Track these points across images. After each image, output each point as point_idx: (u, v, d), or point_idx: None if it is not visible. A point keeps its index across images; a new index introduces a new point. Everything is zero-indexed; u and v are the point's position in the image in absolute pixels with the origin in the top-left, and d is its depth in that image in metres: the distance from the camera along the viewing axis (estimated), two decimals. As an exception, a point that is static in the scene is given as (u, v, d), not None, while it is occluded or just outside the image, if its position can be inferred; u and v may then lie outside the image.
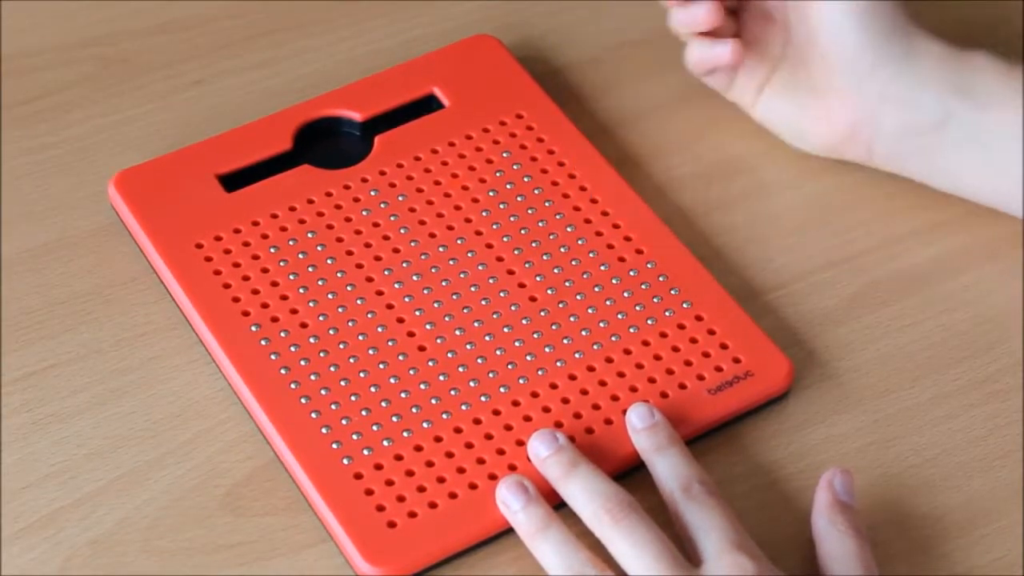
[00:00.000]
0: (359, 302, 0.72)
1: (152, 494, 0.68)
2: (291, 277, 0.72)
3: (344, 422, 0.68)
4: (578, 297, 0.72)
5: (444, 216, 0.75)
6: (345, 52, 0.83)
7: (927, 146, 0.75)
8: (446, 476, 0.67)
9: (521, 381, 0.70)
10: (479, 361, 0.70)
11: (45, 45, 0.83)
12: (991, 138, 0.74)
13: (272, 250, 0.73)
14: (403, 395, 0.69)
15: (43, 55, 0.83)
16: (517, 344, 0.71)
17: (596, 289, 0.73)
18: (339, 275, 0.73)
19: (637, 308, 0.72)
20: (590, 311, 0.72)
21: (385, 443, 0.67)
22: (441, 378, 0.70)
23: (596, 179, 0.77)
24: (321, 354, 0.70)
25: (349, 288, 0.72)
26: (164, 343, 0.72)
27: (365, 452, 0.67)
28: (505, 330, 0.71)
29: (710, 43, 0.76)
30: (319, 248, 0.73)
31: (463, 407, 0.69)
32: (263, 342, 0.70)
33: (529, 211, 0.75)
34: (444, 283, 0.73)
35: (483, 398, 0.69)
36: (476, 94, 0.78)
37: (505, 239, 0.74)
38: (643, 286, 0.73)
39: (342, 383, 0.69)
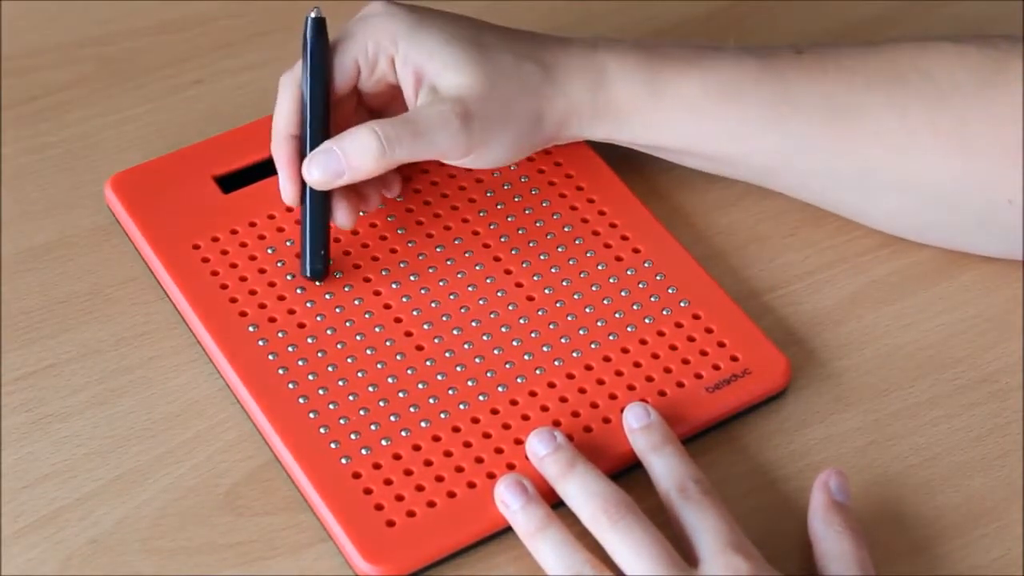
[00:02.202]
0: (356, 302, 0.72)
1: (152, 494, 0.68)
2: (288, 278, 0.72)
3: (342, 422, 0.68)
4: (575, 296, 0.72)
5: (441, 216, 0.75)
6: (344, 52, 0.83)
7: (601, 140, 0.75)
8: (444, 475, 0.67)
9: (519, 380, 0.70)
10: (477, 360, 0.70)
11: (45, 45, 0.83)
12: (649, 147, 0.75)
13: (269, 251, 0.73)
14: (401, 394, 0.69)
15: (43, 55, 0.83)
16: (515, 343, 0.71)
17: (594, 288, 0.73)
18: (336, 275, 0.73)
19: (635, 307, 0.72)
20: (588, 310, 0.72)
21: (383, 442, 0.67)
22: (439, 377, 0.70)
23: (593, 179, 0.77)
24: (319, 354, 0.70)
25: (346, 289, 0.72)
26: (163, 343, 0.72)
27: (363, 452, 0.67)
28: (503, 329, 0.71)
29: (373, 196, 0.74)
30: (317, 248, 0.74)
31: (461, 406, 0.69)
32: (261, 343, 0.70)
33: (526, 211, 0.75)
34: (441, 283, 0.73)
35: (481, 397, 0.69)
36: (474, 94, 0.78)
37: (503, 239, 0.74)
38: (640, 285, 0.73)
39: (340, 383, 0.69)
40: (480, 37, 0.72)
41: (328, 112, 0.72)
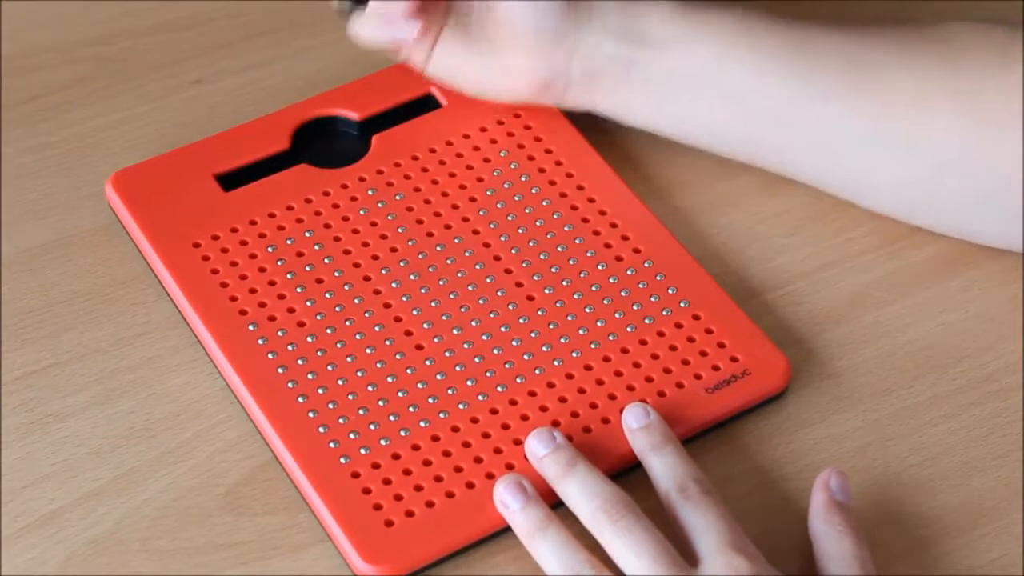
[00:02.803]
0: (356, 301, 0.72)
1: (152, 494, 0.68)
2: (288, 276, 0.72)
3: (341, 421, 0.68)
4: (575, 296, 0.72)
5: (441, 215, 0.75)
6: (343, 52, 0.83)
7: (613, 88, 0.75)
8: (443, 475, 0.67)
9: (519, 380, 0.70)
10: (476, 360, 0.70)
11: (45, 45, 0.83)
12: (664, 81, 0.75)
13: (269, 249, 0.73)
14: (400, 394, 0.69)
15: (43, 55, 0.83)
16: (514, 343, 0.71)
17: (593, 288, 0.73)
18: (336, 274, 0.73)
19: (634, 307, 0.72)
20: (587, 310, 0.72)
21: (382, 442, 0.67)
22: (438, 377, 0.70)
23: (593, 178, 0.77)
24: (318, 353, 0.70)
25: (346, 287, 0.72)
26: (164, 343, 0.72)
27: (362, 451, 0.67)
28: (502, 329, 0.71)
29: (387, 20, 0.75)
30: (316, 247, 0.73)
31: (460, 406, 0.69)
32: (260, 341, 0.70)
33: (526, 210, 0.75)
34: (441, 282, 0.73)
35: (480, 397, 0.69)
36: (474, 93, 0.79)
37: (503, 238, 0.74)
38: (640, 285, 0.73)
39: (339, 382, 0.69)
40: None
41: None
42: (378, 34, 0.75)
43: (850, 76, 0.73)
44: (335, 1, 0.72)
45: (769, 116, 0.74)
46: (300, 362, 0.70)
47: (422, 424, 0.68)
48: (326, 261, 0.73)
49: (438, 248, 0.74)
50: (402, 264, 0.73)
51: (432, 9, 0.76)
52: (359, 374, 0.69)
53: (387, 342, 0.70)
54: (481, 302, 0.72)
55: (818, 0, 0.87)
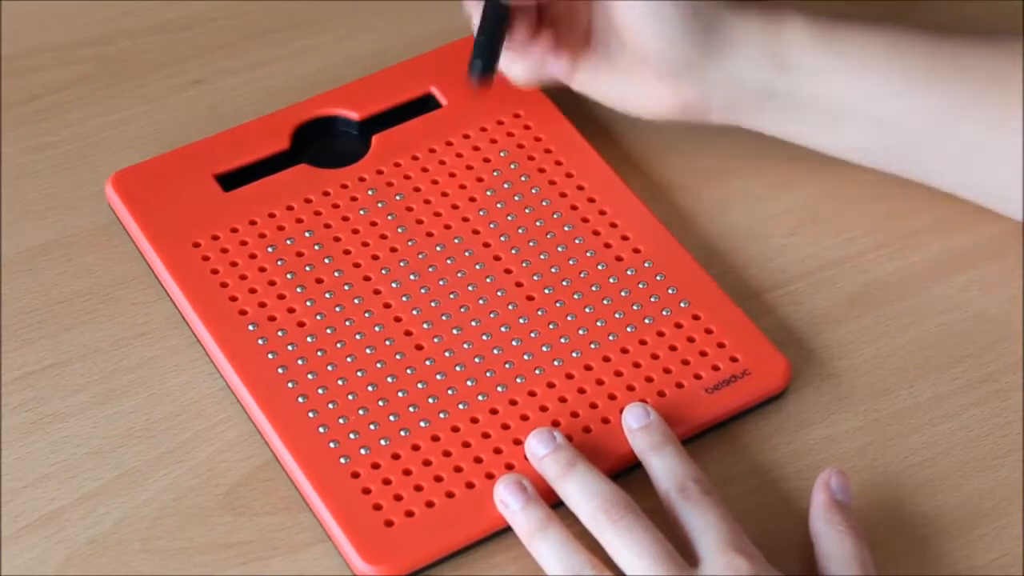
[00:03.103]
0: (356, 301, 0.72)
1: (152, 494, 0.68)
2: (288, 276, 0.72)
3: (341, 421, 0.68)
4: (575, 296, 0.72)
5: (441, 215, 0.75)
6: (343, 51, 0.83)
7: (756, 112, 0.75)
8: (443, 475, 0.67)
9: (518, 380, 0.70)
10: (476, 360, 0.70)
11: (45, 45, 0.83)
12: (808, 108, 0.74)
13: (269, 249, 0.73)
14: (400, 394, 0.69)
15: (43, 55, 0.83)
16: (514, 343, 0.71)
17: (593, 288, 0.73)
18: (336, 274, 0.73)
19: (634, 307, 0.72)
20: (587, 310, 0.72)
21: (382, 442, 0.67)
22: (438, 377, 0.70)
23: (593, 178, 0.77)
24: (318, 353, 0.70)
25: (346, 287, 0.72)
26: (163, 343, 0.72)
27: (362, 451, 0.67)
28: (502, 329, 0.71)
29: (531, 63, 0.76)
30: (316, 247, 0.73)
31: (460, 406, 0.69)
32: (260, 341, 0.70)
33: (526, 210, 0.75)
34: (441, 282, 0.73)
35: (480, 397, 0.69)
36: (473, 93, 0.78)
37: (503, 238, 0.74)
38: (640, 285, 0.73)
39: (339, 382, 0.69)
40: None
41: None
42: (531, 76, 0.76)
43: (997, 94, 0.72)
44: (471, 74, 0.72)
45: (919, 137, 0.74)
46: (300, 362, 0.70)
47: (422, 424, 0.68)
48: (326, 261, 0.73)
49: (438, 248, 0.74)
50: (402, 264, 0.73)
51: (570, 37, 0.76)
52: (359, 374, 0.69)
53: (387, 342, 0.70)
54: (481, 302, 0.72)
55: (818, 0, 0.87)
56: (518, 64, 0.76)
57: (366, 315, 0.71)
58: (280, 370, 0.69)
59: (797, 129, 0.76)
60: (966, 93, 0.73)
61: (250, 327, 0.71)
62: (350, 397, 0.69)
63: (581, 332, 0.71)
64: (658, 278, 0.73)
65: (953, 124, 0.73)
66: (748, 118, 0.76)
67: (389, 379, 0.69)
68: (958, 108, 0.73)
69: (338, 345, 0.70)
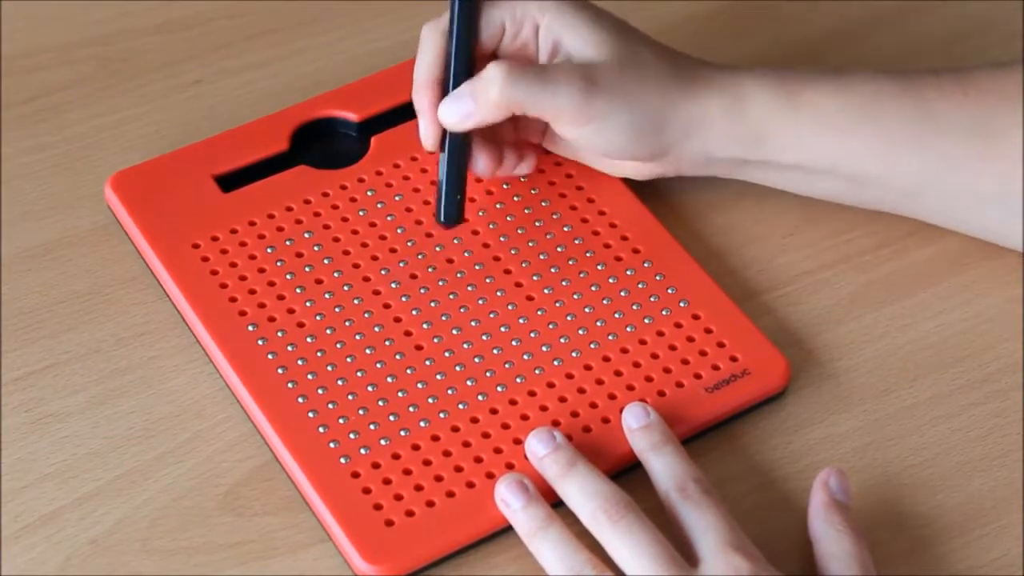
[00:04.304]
0: (356, 302, 0.72)
1: (151, 494, 0.68)
2: (288, 277, 0.72)
3: (341, 421, 0.68)
4: (575, 296, 0.72)
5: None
6: (343, 52, 0.83)
7: (732, 174, 0.75)
8: (443, 475, 0.67)
9: (518, 380, 0.70)
10: (476, 360, 0.70)
11: (45, 45, 0.83)
12: (785, 171, 0.74)
13: (269, 250, 0.73)
14: (400, 394, 0.69)
15: (43, 55, 0.83)
16: (514, 343, 0.71)
17: (593, 288, 0.73)
18: (336, 275, 0.73)
19: (634, 307, 0.72)
20: (587, 310, 0.72)
21: (382, 442, 0.68)
22: (438, 377, 0.70)
23: (593, 178, 0.77)
24: (318, 353, 0.70)
25: (346, 288, 0.72)
26: (163, 343, 0.72)
27: (362, 451, 0.67)
28: (502, 329, 0.71)
29: (509, 161, 0.74)
30: (316, 248, 0.73)
31: (460, 406, 0.69)
32: (260, 342, 0.70)
33: (526, 210, 0.75)
34: (441, 283, 0.73)
35: (480, 397, 0.69)
36: (474, 94, 0.78)
37: (502, 239, 0.74)
38: (640, 285, 0.73)
39: (339, 382, 0.69)
40: (624, 29, 0.72)
41: (473, 65, 0.72)
42: (504, 172, 0.75)
43: (976, 146, 0.72)
44: (442, 223, 0.72)
45: (897, 190, 0.74)
46: (300, 362, 0.70)
47: (422, 424, 0.68)
48: (325, 262, 0.73)
49: (437, 249, 0.74)
50: (401, 265, 0.73)
51: (530, 133, 0.75)
52: (359, 374, 0.69)
53: (387, 342, 0.71)
54: (480, 302, 0.72)
55: (818, 0, 0.87)
56: (483, 156, 0.74)
57: (366, 315, 0.71)
58: (280, 370, 0.69)
59: (775, 181, 0.76)
60: (946, 150, 0.72)
61: (250, 328, 0.71)
62: (350, 397, 0.69)
63: (581, 332, 0.71)
64: (657, 278, 0.73)
65: (935, 179, 0.73)
66: (724, 175, 0.75)
67: (389, 379, 0.69)
68: (939, 164, 0.73)
69: (338, 345, 0.70)
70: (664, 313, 0.72)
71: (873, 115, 0.72)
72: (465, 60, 0.71)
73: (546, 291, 0.73)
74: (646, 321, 0.72)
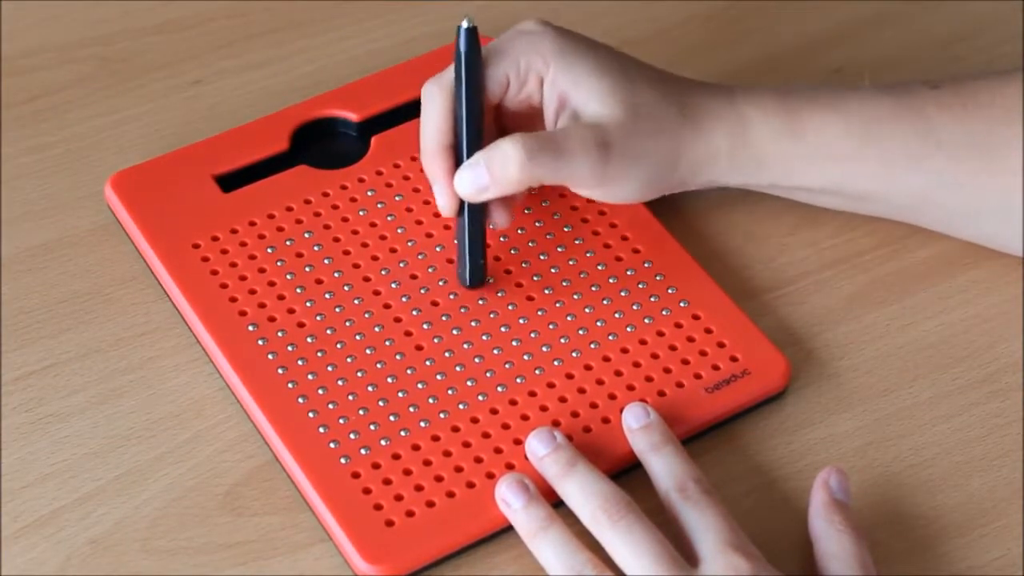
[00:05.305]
0: (356, 302, 0.72)
1: (152, 494, 0.68)
2: (288, 277, 0.72)
3: (341, 421, 0.68)
4: (575, 296, 0.72)
5: (441, 216, 0.75)
6: (343, 52, 0.83)
7: (736, 190, 0.76)
8: (443, 475, 0.67)
9: (518, 380, 0.70)
10: (476, 360, 0.70)
11: (45, 45, 0.83)
12: (790, 192, 0.75)
13: (269, 250, 0.73)
14: (400, 394, 0.69)
15: (43, 55, 0.83)
16: (514, 343, 0.71)
17: (593, 288, 0.73)
18: (336, 275, 0.73)
19: (634, 307, 0.72)
20: (587, 310, 0.72)
21: (382, 442, 0.67)
22: (438, 377, 0.70)
23: (593, 178, 0.77)
24: (318, 353, 0.70)
25: (346, 288, 0.72)
26: (163, 343, 0.72)
27: (363, 451, 0.67)
28: (502, 329, 0.71)
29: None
30: (316, 248, 0.73)
31: (460, 406, 0.69)
32: (260, 342, 0.70)
33: (526, 211, 0.75)
34: (441, 283, 0.73)
35: (480, 397, 0.69)
36: (474, 94, 0.78)
37: (502, 239, 0.74)
38: (640, 285, 0.73)
39: (339, 382, 0.69)
40: (627, 72, 0.71)
41: (482, 124, 0.71)
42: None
43: (977, 162, 0.72)
44: (467, 284, 0.72)
45: (901, 208, 0.74)
46: (300, 362, 0.70)
47: (422, 424, 0.68)
48: (326, 262, 0.73)
49: (437, 249, 0.74)
50: (402, 265, 0.73)
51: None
52: (359, 374, 0.69)
53: (387, 342, 0.71)
54: (480, 302, 0.72)
55: (818, 0, 0.87)
56: (499, 210, 0.73)
57: (366, 316, 0.71)
58: (280, 370, 0.69)
59: (779, 195, 0.76)
60: (947, 166, 0.72)
61: (250, 328, 0.71)
62: (350, 397, 0.69)
63: (581, 332, 0.71)
64: (658, 278, 0.73)
65: (936, 195, 0.73)
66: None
67: (389, 379, 0.69)
68: (940, 181, 0.73)
69: (338, 345, 0.70)
70: (664, 313, 0.72)
71: (874, 138, 0.72)
72: (475, 123, 0.70)
73: (546, 291, 0.73)
74: (646, 321, 0.72)
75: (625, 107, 0.70)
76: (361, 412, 0.68)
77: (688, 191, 0.75)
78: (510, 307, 0.72)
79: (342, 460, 0.67)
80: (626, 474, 0.68)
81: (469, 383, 0.69)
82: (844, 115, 0.73)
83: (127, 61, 0.83)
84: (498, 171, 0.69)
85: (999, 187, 0.72)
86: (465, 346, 0.71)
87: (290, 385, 0.69)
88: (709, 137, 0.72)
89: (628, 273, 0.73)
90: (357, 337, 0.71)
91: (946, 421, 0.71)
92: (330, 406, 0.68)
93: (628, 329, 0.71)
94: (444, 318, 0.71)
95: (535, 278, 0.73)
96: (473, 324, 0.71)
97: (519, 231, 0.75)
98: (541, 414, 0.69)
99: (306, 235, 0.74)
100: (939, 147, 0.72)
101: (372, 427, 0.68)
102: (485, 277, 0.72)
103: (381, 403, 0.69)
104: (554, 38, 0.72)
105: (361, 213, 0.75)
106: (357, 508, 0.66)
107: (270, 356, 0.70)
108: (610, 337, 0.71)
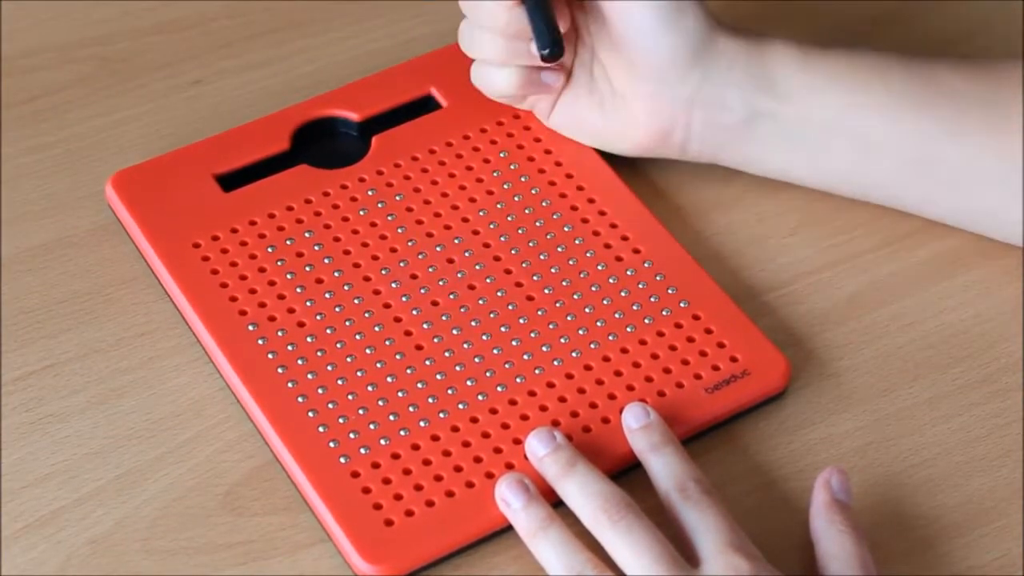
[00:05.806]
0: (356, 301, 0.72)
1: (152, 494, 0.68)
2: (288, 276, 0.72)
3: (341, 421, 0.68)
4: (575, 296, 0.72)
5: (441, 216, 0.75)
6: (343, 52, 0.83)
7: (738, 140, 0.75)
8: (443, 474, 0.67)
9: (518, 380, 0.70)
10: (476, 360, 0.70)
11: (45, 45, 0.83)
12: (794, 132, 0.75)
13: (269, 250, 0.73)
14: (400, 394, 0.69)
15: (43, 55, 0.83)
16: (514, 343, 0.71)
17: (593, 288, 0.73)
18: (336, 274, 0.73)
19: (634, 307, 0.72)
20: (587, 310, 0.72)
21: (382, 442, 0.68)
22: (438, 377, 0.70)
23: (593, 178, 0.77)
24: (318, 353, 0.70)
25: (346, 288, 0.72)
26: (164, 343, 0.72)
27: (362, 451, 0.67)
28: (502, 329, 0.71)
29: (535, 71, 0.75)
30: (316, 248, 0.73)
31: (460, 406, 0.69)
32: (260, 341, 0.70)
33: (526, 211, 0.76)
34: (441, 282, 0.73)
35: (480, 397, 0.69)
36: (473, 94, 0.78)
37: (502, 239, 0.74)
38: (640, 285, 0.73)
39: (339, 382, 0.69)
40: None
41: None
42: (514, 89, 0.75)
43: (984, 116, 0.73)
44: (546, 54, 0.71)
45: (905, 160, 0.74)
46: (300, 362, 0.70)
47: (422, 424, 0.68)
48: (326, 261, 0.73)
49: (438, 248, 0.74)
50: (402, 264, 0.73)
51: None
52: (359, 374, 0.69)
53: (387, 342, 0.71)
54: (481, 302, 0.72)
55: (819, 0, 0.87)
56: (506, 72, 0.75)
57: (366, 315, 0.71)
58: (280, 370, 0.69)
59: (780, 158, 0.75)
60: (957, 117, 0.73)
61: (250, 327, 0.71)
62: (350, 397, 0.69)
63: (581, 332, 0.71)
64: (658, 278, 0.73)
65: (944, 148, 0.73)
66: (728, 148, 0.75)
67: (389, 379, 0.69)
68: (949, 132, 0.73)
69: (338, 345, 0.70)
70: (664, 313, 0.72)
71: (882, 77, 0.73)
72: None
73: (546, 291, 0.73)
74: (646, 321, 0.72)
75: None
76: (361, 412, 0.68)
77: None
78: (510, 307, 0.72)
79: (341, 459, 0.67)
80: (626, 474, 0.68)
81: (469, 383, 0.69)
82: (855, 57, 0.74)
83: (127, 61, 0.83)
84: None
85: (1004, 150, 0.72)
86: (465, 346, 0.71)
87: (290, 385, 0.69)
88: (733, 38, 0.73)
89: (628, 273, 0.73)
90: (357, 337, 0.71)
91: (946, 421, 0.71)
92: (330, 406, 0.68)
93: (628, 329, 0.71)
94: (444, 318, 0.71)
95: (535, 278, 0.73)
96: (473, 324, 0.71)
97: (519, 231, 0.75)
98: (541, 414, 0.69)
99: (306, 235, 0.74)
100: (946, 97, 0.73)
101: (372, 426, 0.68)
102: (562, 48, 0.71)
103: (381, 403, 0.69)
104: None
105: (361, 213, 0.75)
106: (356, 508, 0.66)
107: (270, 356, 0.70)
108: (610, 337, 0.71)
